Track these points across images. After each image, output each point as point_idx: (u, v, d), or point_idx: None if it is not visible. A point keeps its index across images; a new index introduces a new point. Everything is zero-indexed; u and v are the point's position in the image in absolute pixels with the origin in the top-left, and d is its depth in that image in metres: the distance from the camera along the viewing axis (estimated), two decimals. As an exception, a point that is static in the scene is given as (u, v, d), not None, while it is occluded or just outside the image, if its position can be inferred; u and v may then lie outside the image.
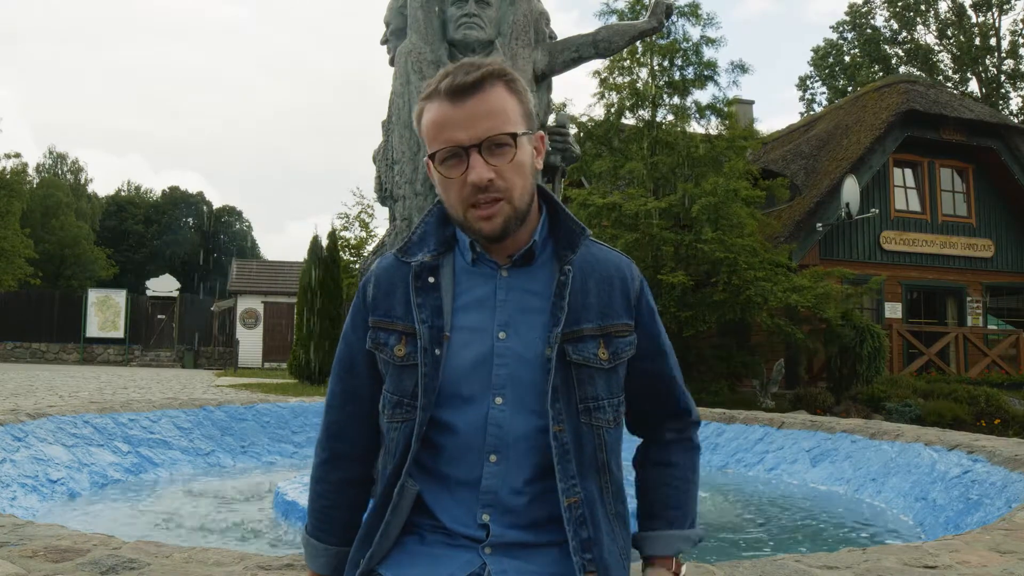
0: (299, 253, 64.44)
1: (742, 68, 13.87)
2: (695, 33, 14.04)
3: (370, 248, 20.37)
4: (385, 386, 1.27)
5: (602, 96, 14.23)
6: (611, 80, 14.04)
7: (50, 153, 51.23)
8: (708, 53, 13.85)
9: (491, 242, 1.23)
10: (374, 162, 4.73)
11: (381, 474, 1.28)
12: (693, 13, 13.72)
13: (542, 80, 4.60)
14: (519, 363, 1.20)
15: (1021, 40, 32.94)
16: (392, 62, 4.62)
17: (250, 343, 26.40)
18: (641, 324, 1.29)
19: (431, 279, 1.25)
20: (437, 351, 1.21)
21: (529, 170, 1.22)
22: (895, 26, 34.93)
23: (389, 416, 1.25)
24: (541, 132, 1.30)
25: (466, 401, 1.21)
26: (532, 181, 1.24)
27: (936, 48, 34.73)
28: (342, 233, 20.42)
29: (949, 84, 33.19)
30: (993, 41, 33.34)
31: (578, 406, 1.21)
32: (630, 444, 1.38)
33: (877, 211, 15.88)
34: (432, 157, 1.20)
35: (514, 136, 1.18)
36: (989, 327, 17.39)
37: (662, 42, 13.68)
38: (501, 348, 1.21)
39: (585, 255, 1.27)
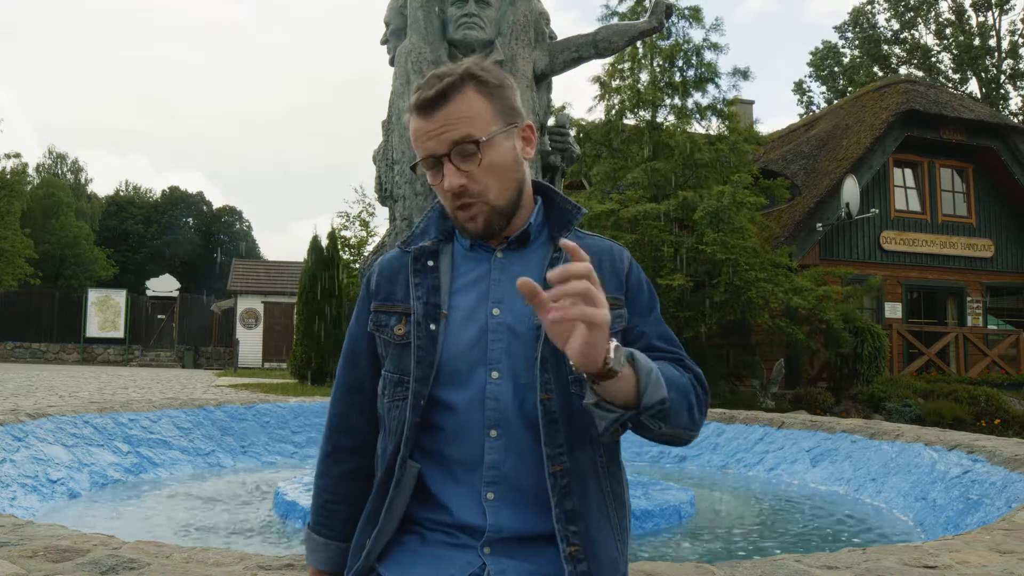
0: (299, 253, 64.56)
1: (744, 74, 13.92)
2: (696, 35, 14.08)
3: (370, 247, 20.39)
4: (385, 367, 1.31)
5: (603, 98, 14.25)
6: (611, 84, 14.06)
7: (50, 153, 51.24)
8: (709, 56, 13.89)
9: (481, 239, 1.29)
10: (374, 162, 4.74)
11: (381, 457, 1.29)
12: (695, 16, 13.73)
13: (542, 80, 4.61)
14: (512, 337, 1.23)
15: (1021, 40, 32.95)
16: (392, 62, 4.62)
17: (250, 343, 26.40)
18: (631, 298, 1.32)
19: (430, 262, 1.30)
20: (432, 326, 1.24)
21: (508, 166, 1.25)
22: (896, 26, 34.96)
23: (390, 395, 1.28)
24: (528, 122, 1.32)
25: (464, 378, 1.23)
26: (514, 176, 1.26)
27: (936, 48, 34.75)
28: (342, 233, 20.44)
29: (949, 84, 33.21)
30: (993, 41, 33.36)
31: (568, 376, 1.22)
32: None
33: (877, 211, 15.89)
34: (417, 166, 1.28)
35: (477, 142, 1.21)
36: (989, 327, 17.39)
37: (663, 44, 13.69)
38: (495, 324, 1.24)
39: (576, 242, 1.29)
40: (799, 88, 37.70)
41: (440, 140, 1.22)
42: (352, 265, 19.58)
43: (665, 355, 1.28)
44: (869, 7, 35.27)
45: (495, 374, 1.22)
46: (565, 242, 1.01)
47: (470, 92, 1.22)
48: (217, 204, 56.41)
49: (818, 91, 37.11)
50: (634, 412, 1.08)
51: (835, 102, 26.16)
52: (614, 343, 1.03)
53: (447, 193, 1.24)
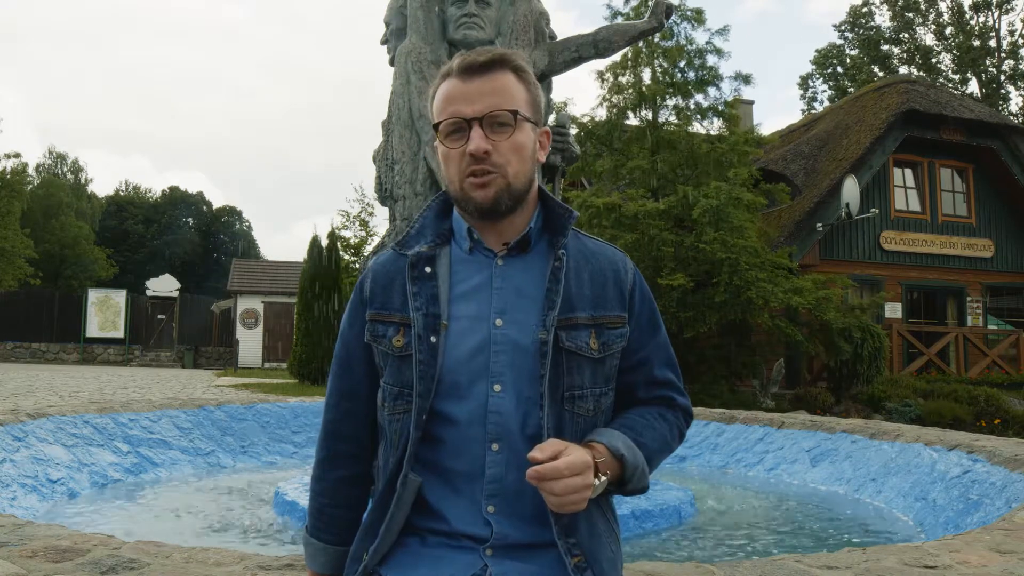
0: (299, 253, 64.39)
1: (745, 79, 14.03)
2: (697, 36, 14.15)
3: (370, 248, 20.39)
4: (384, 379, 1.28)
5: (605, 98, 14.28)
6: (614, 83, 14.09)
7: (50, 153, 51.26)
8: (711, 59, 13.96)
9: (484, 216, 1.25)
10: (374, 162, 4.74)
11: (382, 469, 1.28)
12: (697, 18, 13.78)
13: (542, 80, 4.61)
14: (515, 350, 1.22)
15: (1021, 40, 32.94)
16: (392, 62, 4.63)
17: (250, 343, 26.39)
18: (635, 315, 1.32)
19: (427, 268, 1.27)
20: (433, 338, 1.22)
21: (528, 154, 1.25)
22: (895, 26, 34.91)
23: (390, 409, 1.26)
24: (547, 128, 1.33)
25: (466, 390, 1.22)
26: (531, 167, 1.27)
27: (936, 48, 34.72)
28: (342, 233, 20.43)
29: (949, 84, 33.18)
30: (993, 42, 33.34)
31: (564, 393, 1.22)
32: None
33: (877, 211, 15.88)
34: (437, 128, 1.25)
35: (515, 114, 1.22)
36: (989, 327, 17.38)
37: (666, 44, 13.72)
38: (498, 335, 1.22)
39: (580, 248, 1.31)
40: (804, 83, 37.63)
41: (476, 105, 1.21)
42: (352, 265, 19.57)
43: (660, 397, 1.34)
44: (865, 9, 35.23)
45: (498, 387, 1.21)
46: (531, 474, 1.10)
47: (512, 76, 1.25)
48: (217, 204, 56.45)
49: (821, 89, 37.10)
50: (617, 491, 1.23)
51: (836, 101, 26.15)
52: (598, 482, 1.14)
53: (468, 157, 1.21)
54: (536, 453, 1.09)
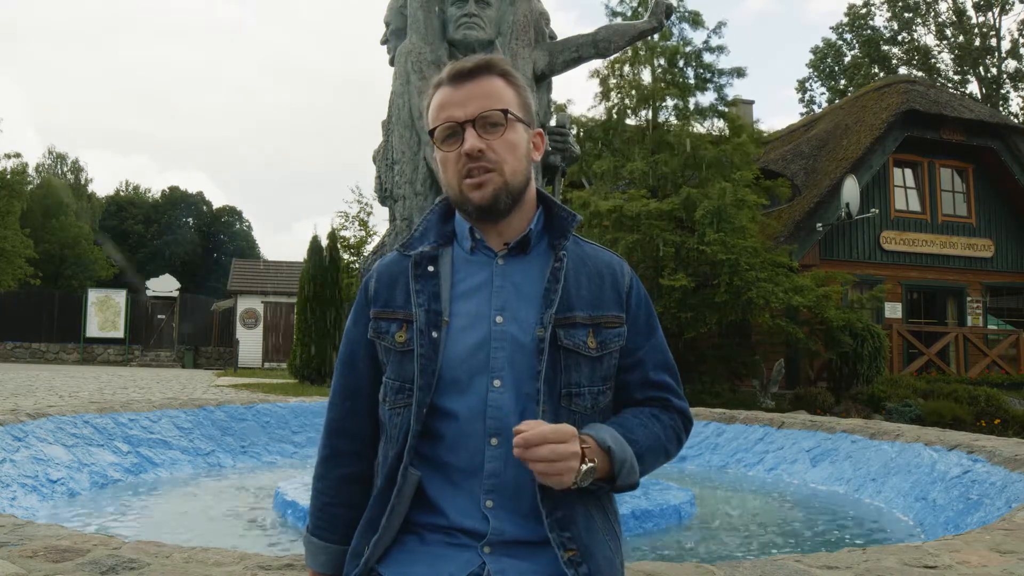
0: (300, 253, 64.30)
1: (739, 73, 14.09)
2: (695, 37, 14.21)
3: (370, 247, 20.38)
4: (386, 374, 1.31)
5: (604, 98, 14.29)
6: (611, 82, 14.11)
7: (50, 153, 51.24)
8: (709, 58, 13.99)
9: (484, 215, 1.28)
10: (374, 162, 4.74)
11: (382, 463, 1.29)
12: (695, 20, 13.80)
13: (542, 80, 4.60)
14: (515, 346, 1.24)
15: (1021, 40, 32.94)
16: (392, 62, 4.62)
17: (250, 343, 26.39)
18: (631, 317, 1.33)
19: (430, 268, 1.30)
20: (434, 334, 1.25)
21: (523, 152, 1.29)
22: (895, 26, 34.91)
23: (391, 403, 1.28)
24: (539, 130, 1.37)
25: (466, 386, 1.24)
26: (527, 166, 1.30)
27: (936, 48, 34.72)
28: (341, 233, 20.42)
29: (949, 84, 33.18)
30: (993, 41, 33.34)
31: (561, 391, 1.24)
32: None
33: (877, 211, 15.87)
34: (433, 135, 1.29)
35: (505, 112, 1.26)
36: (989, 327, 17.37)
37: (664, 44, 13.76)
38: (498, 332, 1.25)
39: (578, 252, 1.34)
40: (801, 87, 37.63)
41: (467, 108, 1.25)
42: (352, 265, 19.57)
43: (655, 398, 1.34)
44: (864, 10, 35.19)
45: (497, 382, 1.23)
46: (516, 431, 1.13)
47: (500, 80, 1.29)
48: (217, 204, 56.33)
49: (819, 91, 37.07)
50: (608, 488, 1.21)
51: (835, 102, 26.15)
52: (584, 467, 1.13)
53: (463, 158, 1.24)
54: (521, 426, 1.12)
